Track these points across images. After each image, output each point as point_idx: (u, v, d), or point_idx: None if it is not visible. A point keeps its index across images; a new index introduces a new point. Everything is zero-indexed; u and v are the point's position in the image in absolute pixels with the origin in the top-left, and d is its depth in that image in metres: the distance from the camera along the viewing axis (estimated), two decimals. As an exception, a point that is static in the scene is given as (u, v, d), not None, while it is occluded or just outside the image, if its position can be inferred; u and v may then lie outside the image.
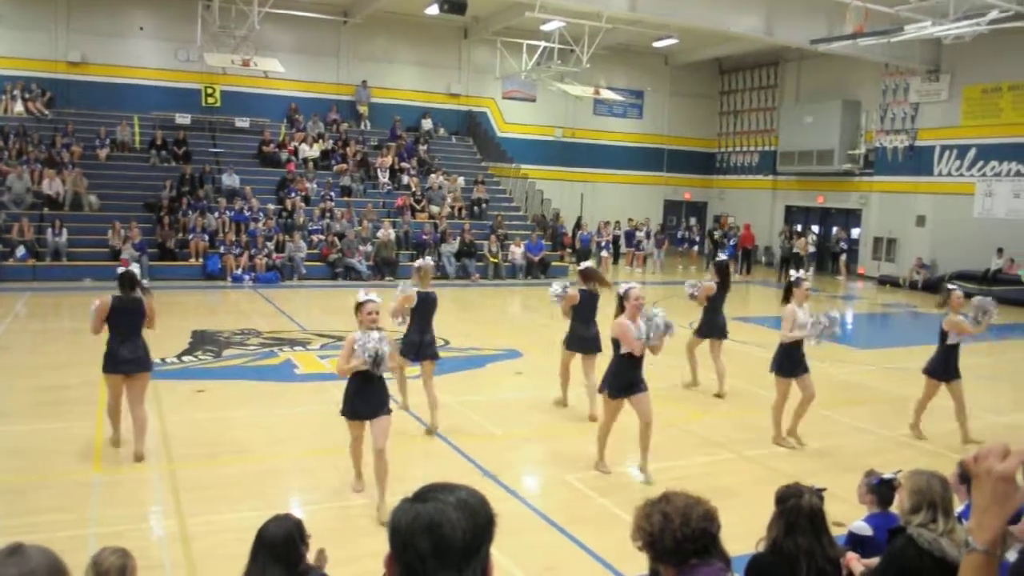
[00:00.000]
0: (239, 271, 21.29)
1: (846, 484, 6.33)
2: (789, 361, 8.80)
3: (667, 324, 7.41)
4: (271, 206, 23.78)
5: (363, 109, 29.36)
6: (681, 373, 11.69)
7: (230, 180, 24.26)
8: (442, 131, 30.86)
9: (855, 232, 29.98)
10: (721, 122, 36.15)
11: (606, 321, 7.66)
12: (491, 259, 24.58)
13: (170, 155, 24.73)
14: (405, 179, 26.98)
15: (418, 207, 25.94)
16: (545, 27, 25.37)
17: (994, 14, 17.49)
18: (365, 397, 6.68)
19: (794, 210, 32.73)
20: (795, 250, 27.46)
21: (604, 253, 28.26)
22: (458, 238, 24.39)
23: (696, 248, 31.75)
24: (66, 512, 6.51)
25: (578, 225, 29.93)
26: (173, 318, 15.10)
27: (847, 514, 5.31)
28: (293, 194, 24.38)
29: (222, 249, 21.58)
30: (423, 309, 9.20)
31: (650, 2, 21.55)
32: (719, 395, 11.12)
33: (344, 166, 26.53)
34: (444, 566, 1.64)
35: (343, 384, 6.70)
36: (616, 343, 7.49)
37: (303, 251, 22.34)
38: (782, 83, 33.13)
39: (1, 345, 12.89)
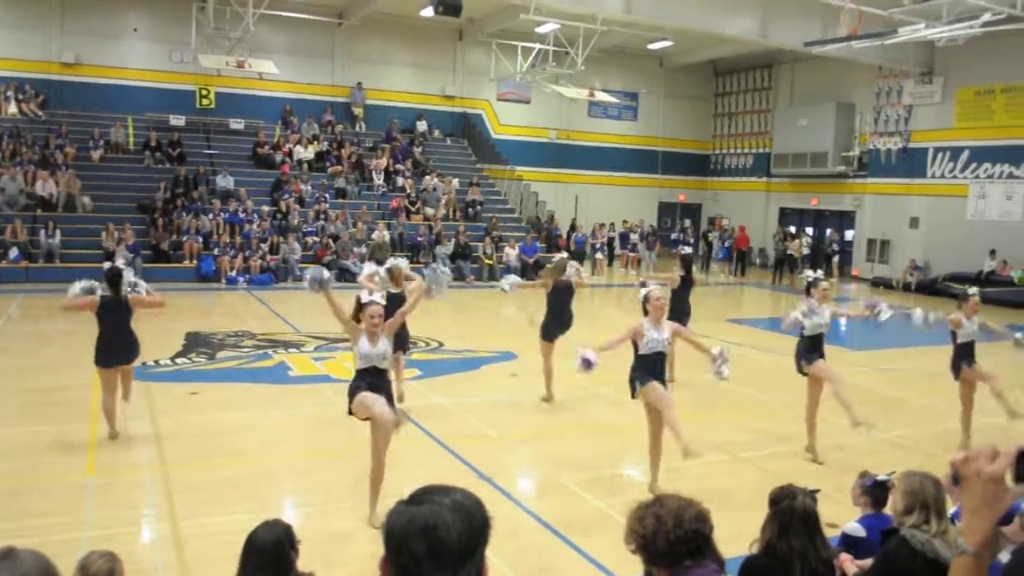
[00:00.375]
0: (233, 273, 21.26)
1: (840, 485, 6.34)
2: (810, 351, 8.72)
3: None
4: (265, 208, 23.77)
5: (358, 111, 29.35)
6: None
7: (224, 182, 24.24)
8: (437, 133, 30.87)
9: (849, 234, 30.04)
10: (715, 124, 36.21)
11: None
12: (486, 261, 24.59)
13: (164, 156, 24.70)
14: (400, 181, 26.98)
15: (413, 209, 25.94)
16: (540, 29, 25.40)
17: (987, 17, 17.54)
18: (371, 386, 6.49)
19: (788, 212, 32.81)
20: (789, 252, 27.52)
21: (599, 255, 28.30)
22: (453, 240, 24.39)
23: (691, 250, 31.74)
24: (59, 515, 6.48)
25: (573, 227, 29.95)
26: (167, 320, 15.06)
27: (841, 515, 5.32)
28: (287, 196, 24.37)
29: (216, 251, 21.56)
30: (390, 310, 9.34)
31: (645, 4, 21.58)
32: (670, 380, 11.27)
33: (339, 168, 26.52)
34: (439, 569, 1.63)
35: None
36: (635, 344, 7.45)
37: (297, 253, 22.32)
38: (776, 85, 33.20)
39: (-6, 347, 12.86)
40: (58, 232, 20.38)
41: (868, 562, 4.18)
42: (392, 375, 8.39)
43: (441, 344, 14.24)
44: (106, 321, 8.31)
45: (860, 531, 4.68)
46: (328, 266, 22.11)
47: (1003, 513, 1.75)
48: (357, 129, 29.07)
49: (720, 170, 36.01)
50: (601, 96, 29.60)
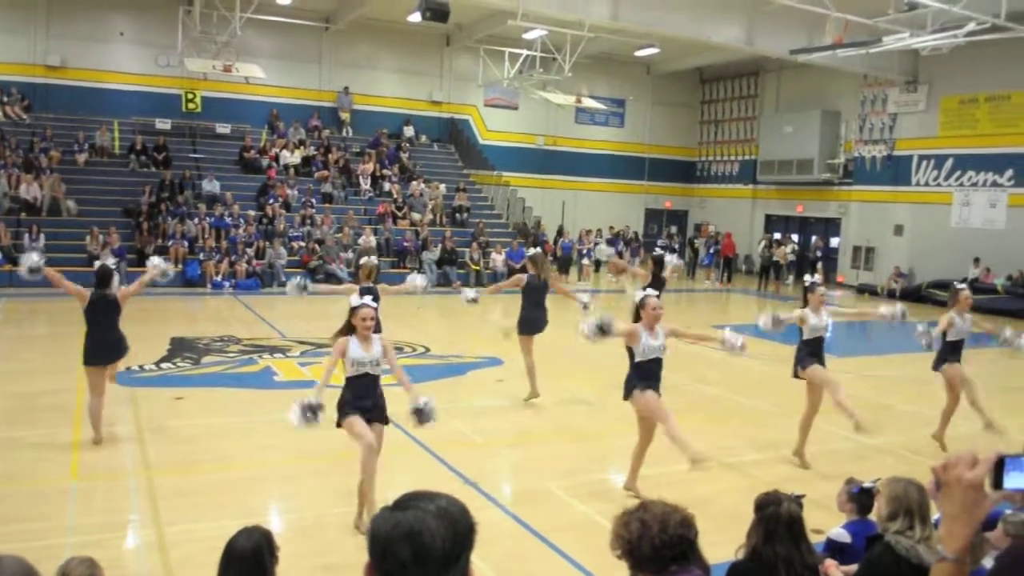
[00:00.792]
0: (219, 277, 21.19)
1: (825, 491, 6.37)
2: (808, 356, 8.68)
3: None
4: (251, 212, 23.70)
5: (345, 116, 29.32)
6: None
7: (210, 186, 24.17)
8: (424, 138, 30.86)
9: (834, 241, 30.19)
10: (702, 131, 36.34)
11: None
12: (472, 267, 24.58)
13: (150, 160, 24.60)
14: (387, 186, 26.96)
15: (399, 214, 25.92)
16: (527, 35, 25.44)
17: (971, 26, 17.68)
18: (361, 395, 6.43)
19: (774, 219, 32.93)
20: (775, 259, 27.62)
21: (585, 261, 28.35)
22: (439, 245, 24.39)
23: (662, 252, 31.78)
24: (42, 521, 6.44)
25: (559, 233, 30.00)
26: (151, 325, 15.01)
27: (826, 521, 5.34)
28: (273, 200, 24.31)
29: (202, 255, 21.49)
30: None
31: (632, 12, 21.65)
32: None
33: (325, 173, 26.48)
34: (424, 574, 1.64)
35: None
36: (631, 351, 7.35)
37: (283, 258, 22.27)
38: (762, 93, 33.35)
39: (-23, 351, 12.78)
40: (42, 236, 20.26)
41: (853, 568, 4.20)
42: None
43: (427, 349, 14.23)
44: (95, 319, 8.38)
45: (845, 537, 4.70)
46: (314, 271, 22.21)
47: (983, 519, 1.77)
48: (344, 134, 29.03)
49: (706, 177, 36.13)
50: (588, 102, 29.67)
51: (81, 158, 23.76)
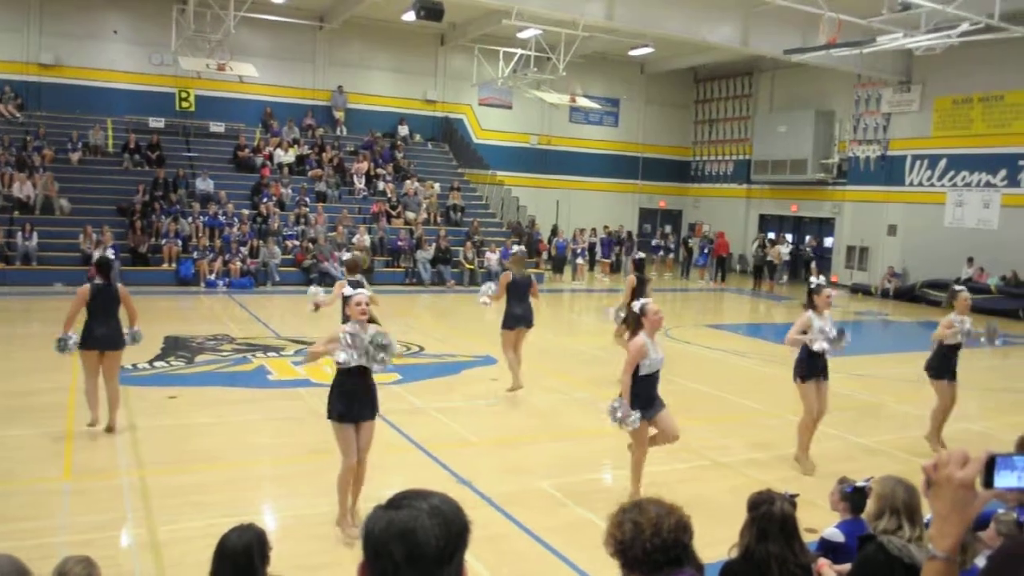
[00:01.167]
0: (212, 276, 21.16)
1: (818, 490, 6.39)
2: (811, 367, 8.44)
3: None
4: (245, 211, 23.66)
5: (339, 115, 29.29)
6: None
7: (204, 185, 24.13)
8: (418, 137, 30.86)
9: (828, 241, 30.25)
10: (696, 131, 36.38)
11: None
12: (467, 266, 24.59)
13: (143, 159, 24.56)
14: (381, 185, 26.94)
15: (394, 213, 25.91)
16: (522, 35, 25.44)
17: (964, 26, 17.71)
18: (357, 395, 6.35)
19: (768, 219, 32.99)
20: (768, 258, 27.67)
21: (580, 260, 28.36)
22: (434, 244, 24.37)
23: (672, 256, 31.86)
24: (34, 520, 6.43)
25: (554, 232, 30.00)
26: (145, 323, 14.93)
27: (819, 520, 5.36)
28: (267, 199, 24.27)
29: (195, 254, 21.45)
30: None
31: (627, 11, 21.66)
32: None
33: (319, 171, 26.45)
34: (417, 573, 1.64)
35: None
36: (635, 366, 7.12)
37: (277, 257, 22.24)
38: (756, 93, 33.39)
39: (-31, 350, 12.74)
40: (35, 234, 20.21)
41: (847, 567, 4.22)
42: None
43: (422, 348, 14.23)
44: (94, 308, 8.58)
45: (839, 536, 4.71)
46: (308, 270, 22.21)
47: (974, 518, 1.77)
48: (338, 133, 29.01)
49: (700, 176, 36.17)
50: (582, 102, 29.69)
51: (74, 156, 23.71)
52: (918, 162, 26.66)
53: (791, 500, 3.99)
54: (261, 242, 22.47)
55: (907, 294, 25.28)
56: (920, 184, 26.63)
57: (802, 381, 8.44)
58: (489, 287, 11.24)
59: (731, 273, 31.05)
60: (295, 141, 27.27)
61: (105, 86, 26.23)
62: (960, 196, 25.41)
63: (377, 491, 6.32)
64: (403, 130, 30.18)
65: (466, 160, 30.75)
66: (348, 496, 6.41)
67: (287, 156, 26.59)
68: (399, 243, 24.26)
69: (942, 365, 9.24)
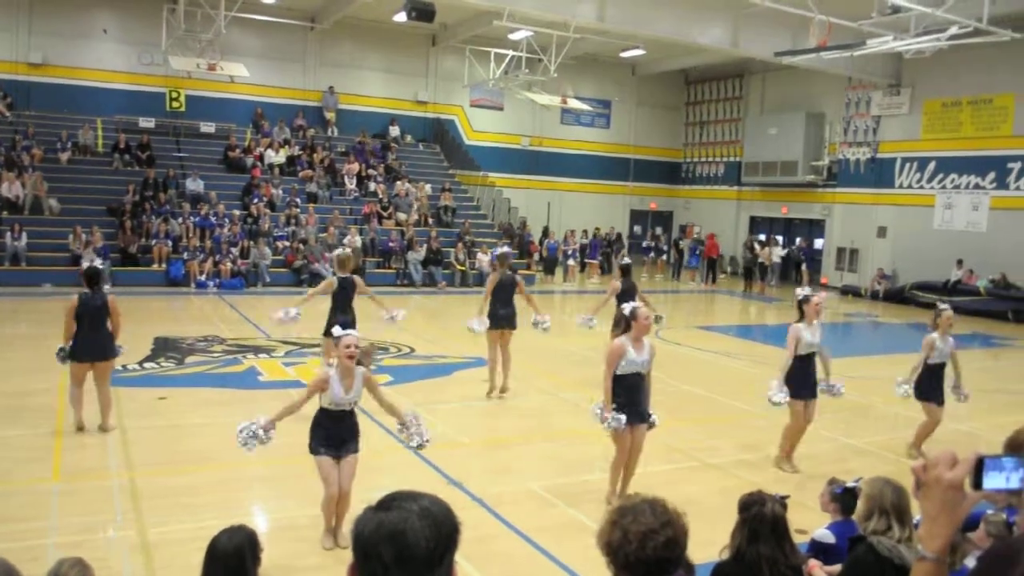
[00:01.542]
0: (203, 277, 21.09)
1: (808, 491, 6.41)
2: (801, 382, 8.40)
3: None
4: (236, 212, 23.60)
5: (330, 115, 29.24)
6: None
7: (194, 185, 24.06)
8: (409, 138, 30.83)
9: (818, 243, 30.33)
10: (687, 132, 36.44)
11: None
12: (458, 267, 24.58)
13: (133, 159, 24.47)
14: (372, 186, 26.90)
15: (385, 214, 25.88)
16: (513, 36, 25.45)
17: (954, 30, 17.79)
18: (336, 431, 6.24)
19: (758, 220, 33.06)
20: (760, 260, 27.74)
21: (571, 262, 28.38)
22: (425, 246, 24.35)
23: (663, 257, 31.91)
24: (24, 521, 6.40)
25: (545, 234, 30.00)
26: (135, 324, 14.90)
27: (810, 521, 5.37)
28: (258, 200, 24.20)
29: (186, 255, 21.38)
30: (341, 293, 10.10)
31: (618, 13, 21.69)
32: None
33: (310, 172, 26.40)
34: (407, 575, 1.63)
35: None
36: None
37: (268, 258, 22.18)
38: (747, 95, 33.47)
39: (-42, 351, 12.67)
40: (24, 235, 20.11)
41: (837, 568, 4.23)
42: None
43: (412, 350, 14.22)
44: (84, 318, 8.57)
45: (829, 537, 4.72)
46: (299, 271, 22.16)
47: (962, 519, 1.78)
48: (329, 134, 28.96)
49: (691, 178, 36.23)
50: (573, 103, 29.73)
51: (64, 156, 23.60)
52: (908, 164, 26.76)
53: (782, 501, 4.01)
54: (251, 243, 22.40)
55: (897, 296, 25.37)
56: (910, 186, 26.74)
57: (791, 397, 8.42)
58: (478, 322, 11.13)
59: (723, 275, 31.10)
60: (286, 142, 27.22)
61: (95, 86, 26.13)
62: (949, 198, 25.52)
63: (367, 492, 6.29)
64: (394, 131, 30.14)
65: (457, 161, 30.75)
66: (332, 517, 6.31)
67: (278, 157, 26.53)
68: (390, 244, 24.24)
69: (929, 387, 9.17)
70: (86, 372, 8.63)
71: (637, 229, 35.43)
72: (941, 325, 9.16)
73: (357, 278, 10.45)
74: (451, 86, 31.13)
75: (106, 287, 9.10)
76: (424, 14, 20.95)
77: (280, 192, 25.07)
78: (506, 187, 30.94)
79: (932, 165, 25.97)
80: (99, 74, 26.22)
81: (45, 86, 25.55)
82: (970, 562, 3.76)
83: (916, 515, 3.90)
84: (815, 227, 30.66)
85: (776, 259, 28.65)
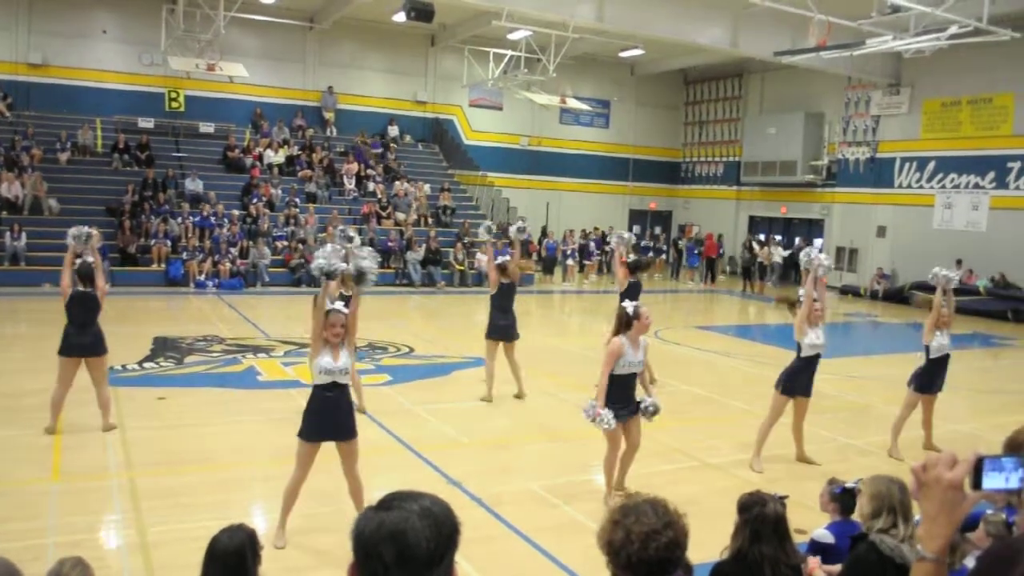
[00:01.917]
0: (202, 277, 21.10)
1: (807, 491, 6.41)
2: (799, 380, 8.47)
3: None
4: (235, 212, 23.60)
5: (329, 115, 29.24)
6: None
7: (193, 185, 24.06)
8: (408, 138, 30.82)
9: (818, 242, 30.31)
10: (686, 132, 36.44)
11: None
12: (457, 267, 24.58)
13: (132, 159, 24.47)
14: (371, 186, 26.91)
15: (384, 214, 25.88)
16: (512, 36, 25.45)
17: (953, 29, 17.79)
18: (331, 415, 6.19)
19: (757, 220, 33.07)
20: (759, 260, 27.73)
21: (570, 262, 28.38)
22: (424, 246, 24.35)
23: (662, 257, 31.92)
24: (23, 521, 6.40)
25: (544, 234, 29.99)
26: (134, 324, 14.95)
27: (810, 521, 5.37)
28: (257, 200, 24.21)
29: (185, 255, 21.39)
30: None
31: (617, 13, 21.69)
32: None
33: (309, 172, 26.40)
34: (408, 575, 1.64)
35: (307, 391, 6.48)
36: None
37: (267, 258, 22.18)
38: (746, 95, 33.47)
39: (-43, 351, 12.67)
40: (23, 235, 20.12)
41: (837, 567, 4.23)
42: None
43: (412, 349, 14.22)
44: (74, 314, 8.58)
45: (828, 537, 4.73)
46: (294, 270, 22.16)
47: (962, 519, 1.78)
48: (328, 134, 28.96)
49: (690, 178, 36.24)
50: (572, 103, 29.72)
51: (63, 156, 23.60)
52: (907, 164, 26.78)
53: (782, 501, 4.00)
54: (251, 243, 22.41)
55: (896, 296, 25.38)
56: (909, 186, 26.75)
57: (781, 392, 8.47)
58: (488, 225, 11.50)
59: (722, 274, 31.11)
60: (285, 142, 27.22)
61: (94, 86, 26.13)
62: (949, 198, 25.53)
63: (367, 492, 6.32)
64: (393, 131, 30.14)
65: (456, 161, 30.75)
66: (290, 512, 6.27)
67: (277, 157, 26.53)
68: (389, 244, 24.23)
69: (931, 378, 9.22)
70: (75, 370, 8.57)
71: (636, 229, 35.40)
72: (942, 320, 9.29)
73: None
74: (450, 86, 31.13)
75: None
76: (423, 14, 20.95)
77: (279, 192, 25.07)
78: (505, 187, 30.92)
79: (932, 165, 25.98)
80: (98, 74, 26.21)
81: (44, 86, 25.54)
82: (970, 562, 3.76)
83: (916, 515, 3.90)
84: (814, 227, 30.66)
85: (777, 259, 28.64)
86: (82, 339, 8.55)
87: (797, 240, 30.46)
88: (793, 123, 29.86)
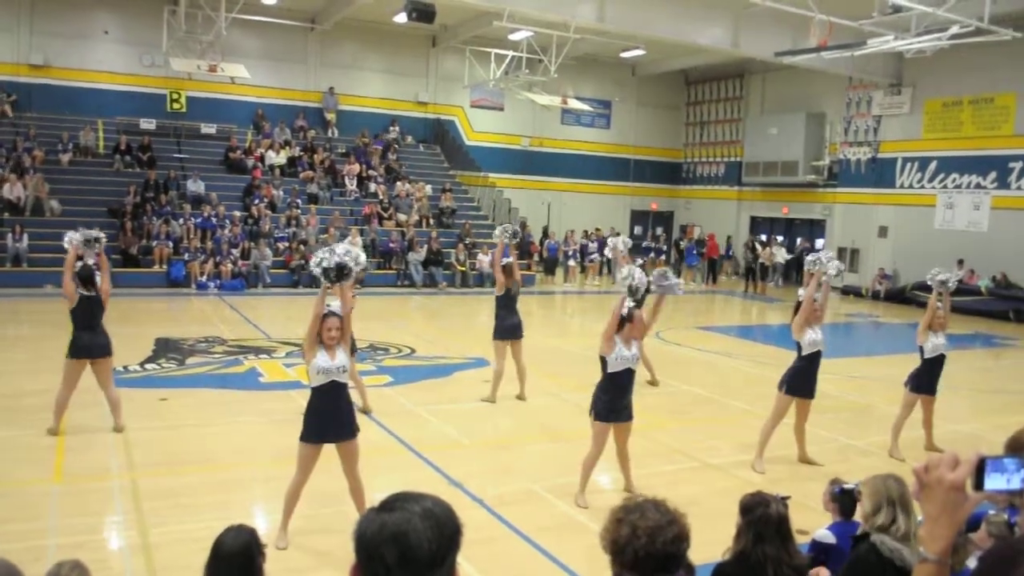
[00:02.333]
0: (204, 278, 21.11)
1: (809, 492, 6.41)
2: (803, 380, 8.49)
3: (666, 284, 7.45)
4: (237, 213, 23.61)
5: (330, 116, 29.26)
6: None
7: (195, 186, 24.07)
8: (410, 139, 30.83)
9: (819, 243, 30.31)
10: (687, 133, 36.43)
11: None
12: (458, 267, 24.58)
13: (134, 160, 24.48)
14: (372, 187, 26.91)
15: (385, 215, 25.88)
16: (513, 36, 25.45)
17: (955, 29, 17.78)
18: (332, 415, 6.19)
19: (759, 220, 33.05)
20: (760, 260, 27.72)
21: (571, 262, 28.37)
22: (425, 246, 24.36)
23: (663, 258, 31.90)
24: (24, 522, 6.40)
25: (545, 234, 29.98)
26: (136, 325, 14.95)
27: (811, 522, 5.37)
28: (259, 201, 24.21)
29: (186, 256, 21.40)
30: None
31: (618, 13, 21.69)
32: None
33: (311, 173, 26.41)
34: (410, 576, 1.64)
35: (308, 392, 6.47)
36: (604, 361, 7.21)
37: (269, 259, 22.19)
38: (747, 95, 33.46)
39: (-41, 352, 12.68)
40: (25, 236, 20.14)
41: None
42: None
43: (413, 350, 14.22)
44: (79, 317, 8.61)
45: (830, 538, 4.72)
46: (293, 271, 22.15)
47: (964, 520, 1.78)
48: (329, 134, 28.97)
49: (692, 178, 36.23)
50: (574, 104, 29.73)
51: (65, 158, 23.62)
52: (908, 164, 26.76)
53: (784, 501, 4.00)
54: (252, 244, 22.42)
55: (898, 296, 25.36)
56: (911, 186, 26.74)
57: (785, 393, 8.49)
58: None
59: (723, 275, 31.09)
60: (286, 143, 27.23)
61: (96, 87, 26.14)
62: (950, 198, 25.51)
63: (368, 493, 6.32)
64: (394, 132, 30.15)
65: (458, 162, 30.75)
66: (291, 514, 6.27)
67: (278, 158, 26.54)
68: (391, 245, 24.24)
69: (929, 379, 9.25)
70: (80, 372, 8.59)
71: (638, 230, 35.38)
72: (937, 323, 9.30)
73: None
74: (451, 87, 31.13)
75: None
76: (424, 15, 20.95)
77: (281, 193, 25.07)
78: (506, 187, 30.91)
79: (933, 165, 25.96)
80: (100, 75, 26.22)
81: (46, 87, 25.54)
82: (972, 563, 3.76)
83: (918, 514, 3.89)
84: (816, 227, 30.64)
85: (780, 260, 28.62)
86: (91, 341, 8.60)
87: (799, 240, 30.44)
88: (794, 123, 29.84)
